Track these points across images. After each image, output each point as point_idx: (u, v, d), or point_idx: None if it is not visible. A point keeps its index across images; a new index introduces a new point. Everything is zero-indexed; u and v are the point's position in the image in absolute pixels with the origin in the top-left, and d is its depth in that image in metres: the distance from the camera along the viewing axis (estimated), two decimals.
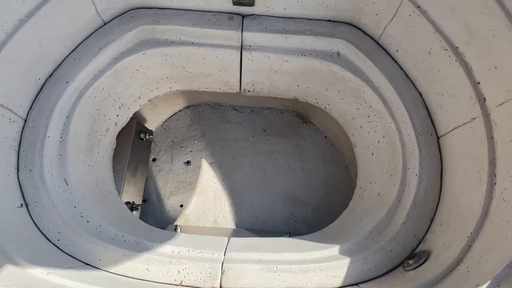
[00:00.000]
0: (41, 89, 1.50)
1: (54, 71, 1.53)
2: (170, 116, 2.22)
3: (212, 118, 2.23)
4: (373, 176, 1.69)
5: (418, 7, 1.37)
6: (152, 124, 2.13)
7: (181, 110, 2.24)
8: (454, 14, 1.26)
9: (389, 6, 1.46)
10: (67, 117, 1.51)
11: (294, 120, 2.25)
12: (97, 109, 1.64)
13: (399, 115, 1.55)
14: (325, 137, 2.20)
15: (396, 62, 1.58)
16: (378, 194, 1.61)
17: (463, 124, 1.35)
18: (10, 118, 1.38)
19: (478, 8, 1.17)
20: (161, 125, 2.20)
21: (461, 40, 1.28)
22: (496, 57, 1.17)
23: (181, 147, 2.13)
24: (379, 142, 1.67)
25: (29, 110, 1.48)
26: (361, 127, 1.76)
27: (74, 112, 1.52)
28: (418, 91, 1.54)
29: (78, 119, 1.54)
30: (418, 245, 1.40)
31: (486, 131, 1.23)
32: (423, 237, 1.41)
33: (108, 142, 1.76)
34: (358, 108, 1.72)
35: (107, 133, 1.74)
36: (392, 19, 1.48)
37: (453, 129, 1.40)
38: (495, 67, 1.18)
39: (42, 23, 1.37)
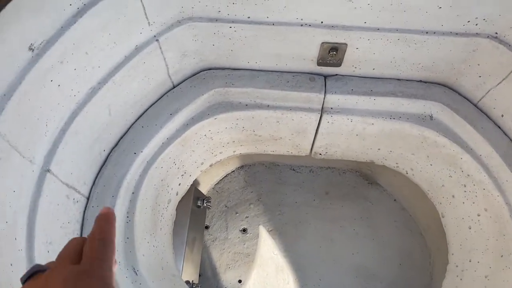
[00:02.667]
0: (105, 161, 1.32)
1: (119, 140, 1.35)
2: (223, 178, 2.03)
3: (268, 179, 2.04)
4: (474, 253, 1.48)
5: None
6: (204, 187, 1.94)
7: (234, 171, 2.05)
8: None
9: (499, 68, 1.30)
10: (133, 193, 1.32)
11: (358, 181, 2.06)
12: (162, 180, 1.45)
13: (508, 188, 1.36)
14: (395, 200, 2.00)
15: (499, 127, 1.41)
16: (486, 277, 1.40)
17: None
18: (74, 199, 1.19)
19: None
20: (213, 188, 2.00)
21: None
22: None
23: (236, 213, 1.93)
24: (479, 215, 1.47)
25: (92, 186, 1.29)
26: (453, 196, 1.57)
27: (141, 186, 1.33)
28: None
29: (144, 194, 1.35)
30: None
31: None
32: None
33: (169, 215, 1.56)
34: (450, 176, 1.54)
35: (168, 205, 1.54)
36: (500, 82, 1.32)
37: None
38: None
39: (115, 89, 1.21)
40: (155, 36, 1.22)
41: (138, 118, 1.37)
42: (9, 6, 0.83)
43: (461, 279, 1.50)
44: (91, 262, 0.45)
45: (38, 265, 0.47)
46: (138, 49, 1.21)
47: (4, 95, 0.90)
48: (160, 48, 1.25)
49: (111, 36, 1.10)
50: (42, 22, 0.93)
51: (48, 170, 1.08)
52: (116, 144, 1.34)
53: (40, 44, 0.95)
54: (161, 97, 1.41)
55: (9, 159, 0.94)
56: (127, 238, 1.28)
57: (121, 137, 1.35)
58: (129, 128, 1.36)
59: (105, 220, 0.49)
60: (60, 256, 0.47)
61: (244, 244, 1.88)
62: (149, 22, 1.17)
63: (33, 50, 0.94)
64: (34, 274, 0.46)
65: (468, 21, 1.22)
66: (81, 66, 1.07)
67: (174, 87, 1.43)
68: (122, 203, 1.28)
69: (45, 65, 0.97)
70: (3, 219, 0.93)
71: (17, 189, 0.98)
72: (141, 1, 1.10)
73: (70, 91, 1.08)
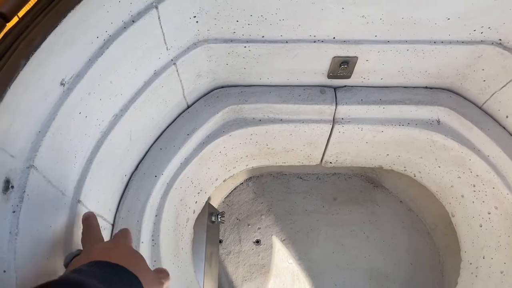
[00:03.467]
0: (126, 186, 1.32)
1: (138, 164, 1.35)
2: (232, 191, 2.04)
3: (277, 189, 2.06)
4: (487, 250, 1.54)
5: None
6: (214, 201, 1.95)
7: (242, 183, 2.07)
8: None
9: (503, 72, 1.36)
10: (156, 216, 1.33)
11: (364, 185, 2.10)
12: (181, 200, 1.46)
13: None
14: (401, 201, 2.05)
15: (505, 128, 1.47)
16: (501, 272, 1.45)
17: None
18: (101, 226, 1.19)
19: None
20: (223, 201, 2.02)
21: None
22: None
23: (248, 225, 1.95)
24: (489, 213, 1.53)
25: (116, 212, 1.29)
26: (462, 196, 1.62)
27: (163, 208, 1.34)
28: None
29: (167, 215, 1.36)
30: None
31: None
32: None
33: (188, 233, 1.56)
34: (459, 177, 1.59)
35: (187, 224, 1.55)
36: (505, 85, 1.38)
37: None
38: None
39: (136, 115, 1.21)
40: (172, 60, 1.24)
41: (155, 141, 1.38)
42: (43, 44, 0.83)
43: (476, 276, 1.55)
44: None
45: (72, 253, 0.70)
46: (156, 74, 1.21)
47: (39, 132, 0.91)
48: (177, 71, 1.27)
49: (133, 64, 1.11)
50: (72, 57, 0.93)
51: (79, 201, 1.08)
52: (136, 168, 1.35)
53: (71, 78, 0.95)
54: (177, 117, 1.42)
55: (46, 193, 0.94)
56: (154, 261, 1.28)
57: (140, 161, 1.36)
58: (147, 151, 1.37)
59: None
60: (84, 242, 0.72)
61: (259, 255, 1.90)
62: (167, 47, 1.18)
63: (64, 85, 0.94)
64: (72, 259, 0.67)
65: (474, 30, 1.27)
66: (106, 95, 1.08)
67: (188, 107, 1.44)
68: (147, 227, 1.29)
69: (75, 98, 0.97)
70: (45, 254, 0.93)
71: (53, 224, 0.98)
72: (161, 28, 1.11)
73: (95, 121, 1.09)
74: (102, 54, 0.99)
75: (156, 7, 1.05)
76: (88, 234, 0.70)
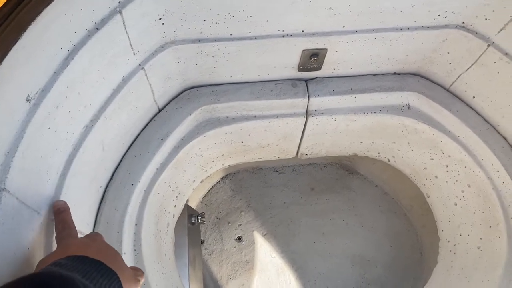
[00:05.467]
0: (103, 197, 1.28)
1: (113, 173, 1.31)
2: (209, 190, 2.02)
3: (254, 184, 2.06)
4: (463, 227, 1.59)
5: (506, 54, 1.30)
6: (192, 202, 1.93)
7: (219, 182, 2.05)
8: None
9: (468, 54, 1.39)
10: (136, 225, 1.30)
11: (340, 173, 2.12)
12: (160, 206, 1.43)
13: (487, 163, 1.47)
14: (376, 186, 2.09)
15: (472, 108, 1.51)
16: (478, 248, 1.50)
17: None
18: None
19: None
20: (201, 202, 1.99)
21: None
22: None
23: (228, 223, 1.94)
24: (463, 192, 1.58)
25: (95, 225, 1.25)
26: (436, 177, 1.66)
27: (143, 216, 1.31)
28: (502, 136, 1.48)
29: (147, 223, 1.33)
30: None
31: None
32: None
33: (170, 238, 1.54)
34: (432, 158, 1.63)
35: (168, 229, 1.52)
36: (470, 67, 1.42)
37: None
38: None
39: (107, 124, 1.17)
40: (140, 64, 1.20)
41: (129, 148, 1.34)
42: (4, 61, 0.79)
43: (454, 253, 1.60)
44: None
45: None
46: (125, 80, 1.18)
47: (8, 152, 0.86)
48: (146, 75, 1.23)
49: (100, 72, 1.07)
50: (37, 71, 0.89)
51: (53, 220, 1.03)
52: (111, 178, 1.31)
53: (36, 93, 0.91)
54: (149, 122, 1.39)
55: (21, 215, 0.90)
56: None
57: (115, 170, 1.32)
58: (121, 160, 1.33)
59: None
60: (61, 239, 0.69)
61: (242, 252, 1.89)
62: (134, 52, 1.14)
63: (30, 101, 0.90)
64: None
65: (438, 15, 1.29)
66: (74, 107, 1.03)
67: (160, 110, 1.41)
68: (128, 237, 1.26)
69: (43, 113, 0.93)
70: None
71: (30, 246, 0.94)
72: (127, 33, 1.07)
73: (66, 134, 1.04)
74: (67, 65, 0.95)
75: (120, 12, 1.01)
76: (63, 229, 0.69)
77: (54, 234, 0.69)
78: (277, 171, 2.10)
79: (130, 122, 1.29)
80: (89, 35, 0.98)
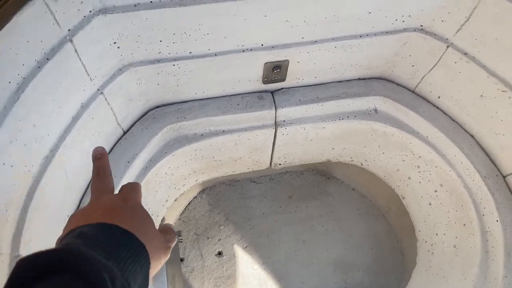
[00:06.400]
0: None
1: (81, 200, 1.29)
2: (186, 206, 2.00)
3: (232, 197, 2.04)
4: (439, 227, 1.60)
5: (465, 53, 1.32)
6: (169, 220, 1.91)
7: (196, 197, 2.03)
8: (511, 57, 1.22)
9: (429, 56, 1.40)
10: None
11: (317, 179, 2.12)
12: None
13: (457, 161, 1.48)
14: (353, 189, 2.09)
15: (439, 108, 1.53)
16: (454, 246, 1.51)
17: None
18: None
19: None
20: (179, 219, 1.97)
21: None
22: None
23: (208, 238, 1.92)
24: (436, 191, 1.59)
25: None
26: (409, 178, 1.67)
27: None
28: (470, 134, 1.49)
29: None
30: None
31: None
32: None
33: None
34: (403, 160, 1.64)
35: None
36: (432, 68, 1.43)
37: None
38: None
39: (68, 152, 1.15)
40: (98, 89, 1.18)
41: None
42: None
43: (432, 253, 1.61)
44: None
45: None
46: (84, 107, 1.15)
47: None
48: (106, 99, 1.21)
49: (56, 101, 1.05)
50: None
51: (17, 256, 1.01)
52: (79, 206, 1.28)
53: None
54: (114, 146, 1.36)
55: None
56: None
57: (82, 198, 1.29)
58: (88, 186, 1.30)
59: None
60: (96, 188, 0.59)
61: (223, 267, 1.88)
62: (90, 78, 1.12)
63: None
64: None
65: (396, 20, 1.30)
66: (30, 140, 1.01)
67: (125, 133, 1.39)
68: None
69: None
70: None
71: None
72: (80, 60, 1.05)
73: (24, 168, 1.02)
74: (18, 99, 0.93)
75: (71, 41, 0.99)
76: (98, 179, 0.61)
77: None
78: (254, 182, 2.09)
79: (93, 147, 1.26)
80: (39, 66, 0.95)
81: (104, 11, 1.03)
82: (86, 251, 0.40)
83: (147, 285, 0.48)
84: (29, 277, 0.35)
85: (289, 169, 2.11)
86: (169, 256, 0.57)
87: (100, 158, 0.63)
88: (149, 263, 0.48)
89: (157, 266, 0.53)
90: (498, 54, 1.25)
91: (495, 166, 1.46)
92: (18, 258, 0.40)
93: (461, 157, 1.47)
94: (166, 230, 0.59)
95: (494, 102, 1.35)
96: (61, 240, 0.47)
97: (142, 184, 1.37)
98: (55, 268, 0.36)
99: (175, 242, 0.60)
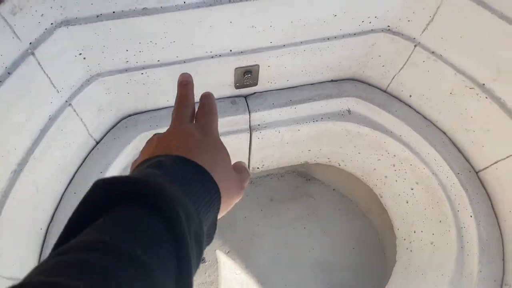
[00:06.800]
0: (44, 240, 1.25)
1: (54, 213, 1.28)
2: None
3: None
4: (416, 224, 1.61)
5: (433, 52, 1.34)
6: None
7: None
8: (476, 54, 1.24)
9: (398, 56, 1.42)
10: None
11: (298, 180, 2.13)
12: None
13: (430, 159, 1.49)
14: (334, 190, 2.11)
15: (411, 107, 1.54)
16: (432, 243, 1.53)
17: (507, 157, 1.32)
18: None
19: (505, 46, 1.15)
20: None
21: (488, 77, 1.26)
22: None
23: None
24: (412, 189, 1.60)
25: None
26: (385, 177, 1.69)
27: None
28: (442, 131, 1.51)
29: None
30: None
31: None
32: (503, 280, 1.35)
33: None
34: (379, 159, 1.65)
35: None
36: (402, 67, 1.44)
37: (496, 162, 1.37)
38: None
39: (38, 165, 1.14)
40: (66, 101, 1.17)
41: (68, 186, 1.31)
42: None
43: (411, 251, 1.62)
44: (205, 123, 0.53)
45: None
46: (52, 119, 1.15)
47: None
48: (75, 111, 1.21)
49: (21, 115, 1.04)
50: None
51: None
52: (52, 219, 1.27)
53: None
54: (87, 157, 1.36)
55: None
56: None
57: (56, 209, 1.28)
58: (61, 199, 1.29)
59: (207, 97, 0.58)
60: (177, 115, 0.53)
61: (205, 273, 1.87)
62: (57, 90, 1.12)
63: None
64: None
65: (362, 21, 1.31)
66: None
67: (97, 143, 1.38)
68: None
69: None
70: None
71: None
72: (45, 72, 1.04)
73: None
74: None
75: (33, 53, 0.99)
76: (180, 106, 0.55)
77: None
78: None
79: (65, 159, 1.26)
80: (1, 80, 0.95)
81: (66, 23, 1.03)
82: (167, 186, 0.36)
83: (215, 228, 0.46)
84: (104, 202, 0.34)
85: (270, 172, 2.12)
86: (241, 196, 0.52)
87: (185, 85, 0.58)
88: (219, 206, 0.44)
89: (227, 208, 0.49)
90: (464, 51, 1.27)
91: (468, 162, 1.48)
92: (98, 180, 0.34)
93: (434, 155, 1.48)
94: (240, 169, 0.54)
95: (463, 99, 1.36)
96: (137, 166, 0.44)
97: None
98: (133, 197, 0.34)
99: (247, 183, 0.55)
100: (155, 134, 0.52)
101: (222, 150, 0.51)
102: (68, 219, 0.33)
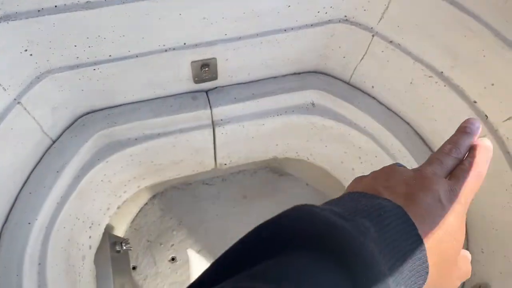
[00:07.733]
0: None
1: (8, 214, 1.25)
2: (137, 214, 1.97)
3: (184, 200, 2.02)
4: None
5: (391, 41, 1.33)
6: (119, 229, 1.87)
7: (147, 203, 2.00)
8: (433, 42, 1.23)
9: (357, 46, 1.41)
10: (39, 264, 1.24)
11: (270, 176, 2.11)
12: (69, 240, 1.38)
13: (395, 150, 1.49)
14: (307, 184, 2.09)
15: (374, 98, 1.53)
16: None
17: None
18: None
19: (460, 32, 1.15)
20: (130, 227, 1.94)
21: (446, 65, 1.25)
22: (491, 75, 1.15)
23: (160, 244, 1.89)
24: None
25: None
26: (353, 169, 1.68)
27: (47, 255, 1.25)
28: (405, 121, 1.50)
29: (53, 260, 1.27)
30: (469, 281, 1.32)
31: (500, 147, 1.20)
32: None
33: (88, 271, 1.48)
34: (345, 152, 1.64)
35: (84, 262, 1.47)
36: (362, 58, 1.43)
37: None
38: (492, 84, 1.15)
39: None
40: (15, 99, 1.14)
41: (22, 186, 1.28)
42: None
43: None
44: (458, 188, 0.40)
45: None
46: (0, 118, 1.12)
47: None
48: (25, 109, 1.18)
49: None
50: None
51: None
52: (6, 220, 1.24)
53: None
54: (43, 156, 1.33)
55: None
56: None
57: (10, 210, 1.25)
58: (15, 200, 1.27)
59: (479, 150, 0.44)
60: (434, 161, 0.43)
61: (177, 272, 1.85)
62: (4, 88, 1.09)
63: None
64: None
65: (318, 12, 1.30)
66: None
67: (53, 142, 1.35)
68: (29, 279, 1.19)
69: None
70: None
71: None
72: None
73: None
74: None
75: None
76: (442, 153, 0.44)
77: None
78: (206, 184, 2.07)
79: (17, 159, 1.23)
80: None
81: (6, 18, 1.00)
82: (375, 253, 0.30)
83: None
84: (297, 242, 0.29)
85: (242, 168, 2.10)
86: None
87: (466, 133, 0.45)
88: None
89: None
90: (420, 39, 1.26)
91: (432, 152, 1.47)
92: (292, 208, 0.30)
93: (398, 146, 1.47)
94: (464, 261, 0.41)
95: (423, 88, 1.36)
96: (351, 198, 0.37)
97: (76, 193, 1.34)
98: (330, 249, 0.29)
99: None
100: (385, 167, 0.44)
101: (459, 233, 0.38)
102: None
